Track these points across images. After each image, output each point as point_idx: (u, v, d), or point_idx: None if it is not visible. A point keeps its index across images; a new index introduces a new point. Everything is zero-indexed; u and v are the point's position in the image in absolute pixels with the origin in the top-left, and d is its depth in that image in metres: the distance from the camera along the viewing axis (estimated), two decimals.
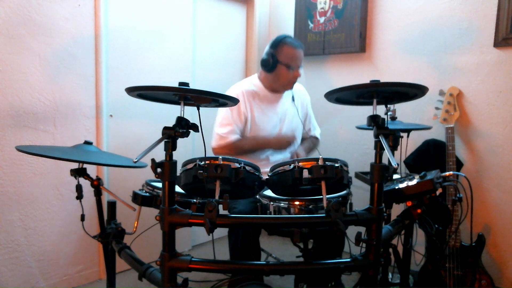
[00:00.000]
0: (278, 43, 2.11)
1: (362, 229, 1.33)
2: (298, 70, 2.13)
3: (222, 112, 2.12)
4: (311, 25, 3.03)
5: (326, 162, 1.33)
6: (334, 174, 1.30)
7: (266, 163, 2.15)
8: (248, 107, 2.14)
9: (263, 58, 2.13)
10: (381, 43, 2.78)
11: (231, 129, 2.09)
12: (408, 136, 2.19)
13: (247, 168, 1.37)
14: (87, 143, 1.65)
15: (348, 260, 1.33)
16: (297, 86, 2.29)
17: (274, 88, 2.20)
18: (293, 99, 2.27)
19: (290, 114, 2.26)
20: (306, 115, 2.37)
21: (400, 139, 2.01)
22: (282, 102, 2.24)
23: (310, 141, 2.37)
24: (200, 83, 2.96)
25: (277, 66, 2.10)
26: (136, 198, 1.56)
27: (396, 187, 1.57)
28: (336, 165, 1.33)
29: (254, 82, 2.23)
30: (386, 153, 1.21)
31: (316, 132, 2.44)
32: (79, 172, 1.61)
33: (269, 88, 2.20)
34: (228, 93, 2.18)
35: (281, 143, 2.18)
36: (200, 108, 1.39)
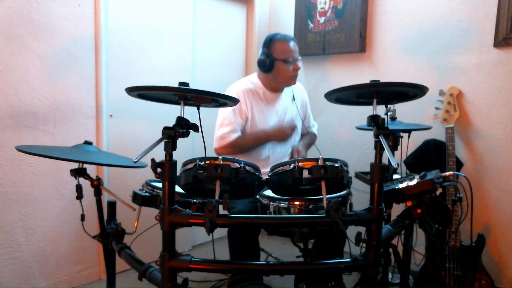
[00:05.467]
0: (270, 41, 2.11)
1: (362, 229, 1.33)
2: (296, 63, 2.12)
3: (223, 113, 2.11)
4: (311, 25, 3.03)
5: (326, 162, 1.33)
6: (334, 174, 1.30)
7: (266, 163, 2.15)
8: (248, 105, 2.13)
9: (259, 59, 2.12)
10: (381, 43, 2.78)
11: (232, 129, 2.08)
12: (409, 136, 2.19)
13: (247, 168, 1.37)
14: (87, 143, 1.65)
15: (348, 260, 1.33)
16: (296, 84, 2.29)
17: (275, 87, 2.20)
18: (293, 98, 2.26)
19: (290, 113, 2.26)
20: (306, 114, 2.38)
21: (400, 139, 2.02)
22: (282, 101, 2.24)
23: (309, 137, 2.37)
24: (200, 83, 2.96)
25: (274, 64, 2.09)
26: (136, 198, 1.56)
27: (396, 187, 1.57)
28: (336, 165, 1.33)
29: (253, 81, 2.22)
30: (386, 153, 1.21)
31: (314, 128, 2.44)
32: (79, 172, 1.61)
33: (269, 87, 2.20)
34: (227, 92, 2.18)
35: (282, 133, 2.13)
36: (200, 108, 1.39)
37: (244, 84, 2.19)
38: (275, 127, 2.16)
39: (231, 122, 2.08)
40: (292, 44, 2.12)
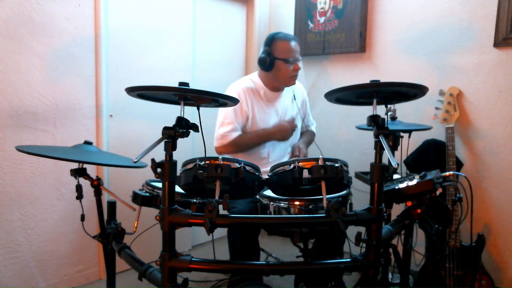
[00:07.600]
0: (271, 40, 2.11)
1: (362, 229, 1.33)
2: (297, 63, 2.12)
3: (224, 112, 2.11)
4: (311, 25, 3.03)
5: (326, 162, 1.33)
6: (334, 174, 1.30)
7: (266, 163, 2.15)
8: (249, 104, 2.13)
9: (260, 57, 2.12)
10: (381, 43, 2.78)
11: (233, 127, 2.07)
12: (409, 136, 2.19)
13: (247, 168, 1.37)
14: (87, 143, 1.65)
15: (348, 260, 1.33)
16: (296, 84, 2.29)
17: (275, 86, 2.19)
18: (294, 98, 2.26)
19: (290, 112, 2.26)
20: (305, 113, 2.37)
21: (400, 139, 2.02)
22: (282, 100, 2.24)
23: (309, 135, 2.37)
24: (200, 83, 2.96)
25: (275, 63, 2.09)
26: (136, 198, 1.56)
27: (396, 187, 1.57)
28: (336, 165, 1.33)
29: (254, 79, 2.21)
30: (386, 153, 1.21)
31: (313, 126, 2.45)
32: (79, 172, 1.61)
33: (269, 86, 2.19)
34: (228, 90, 2.18)
35: (282, 131, 2.12)
36: (200, 108, 1.39)
37: (245, 83, 2.19)
38: (276, 125, 2.15)
39: (232, 121, 2.08)
40: (293, 43, 2.12)
